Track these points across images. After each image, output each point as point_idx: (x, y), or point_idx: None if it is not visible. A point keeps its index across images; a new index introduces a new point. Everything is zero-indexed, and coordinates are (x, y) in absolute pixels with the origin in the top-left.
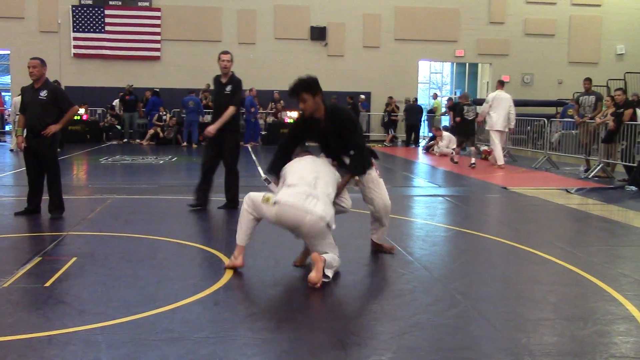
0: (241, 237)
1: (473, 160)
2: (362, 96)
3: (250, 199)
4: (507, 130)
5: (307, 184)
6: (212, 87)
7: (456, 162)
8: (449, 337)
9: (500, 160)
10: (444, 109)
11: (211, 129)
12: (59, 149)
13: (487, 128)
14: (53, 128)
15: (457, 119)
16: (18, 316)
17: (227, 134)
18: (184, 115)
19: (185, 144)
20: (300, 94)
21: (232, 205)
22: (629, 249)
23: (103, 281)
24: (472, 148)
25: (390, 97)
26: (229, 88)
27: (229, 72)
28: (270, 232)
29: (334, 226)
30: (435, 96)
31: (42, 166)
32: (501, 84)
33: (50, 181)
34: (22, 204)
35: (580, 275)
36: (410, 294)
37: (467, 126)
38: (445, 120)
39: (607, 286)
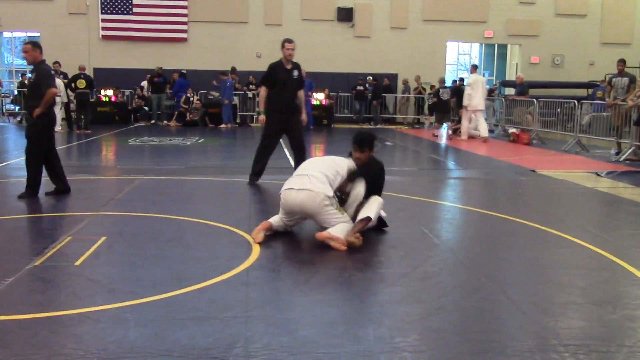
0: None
1: (442, 133)
2: (370, 77)
3: None
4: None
5: (302, 170)
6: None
7: (436, 136)
8: (475, 320)
9: (485, 133)
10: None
11: (304, 117)
12: (87, 131)
13: (469, 109)
14: (36, 111)
15: (435, 99)
16: (49, 294)
17: (295, 114)
18: (216, 97)
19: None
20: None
21: None
22: None
23: (132, 260)
24: (448, 123)
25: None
26: (296, 73)
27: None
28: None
29: (331, 195)
30: (417, 78)
31: (46, 149)
32: (475, 68)
33: (26, 159)
34: (51, 184)
35: (610, 260)
36: (436, 276)
37: (443, 105)
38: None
39: (637, 270)
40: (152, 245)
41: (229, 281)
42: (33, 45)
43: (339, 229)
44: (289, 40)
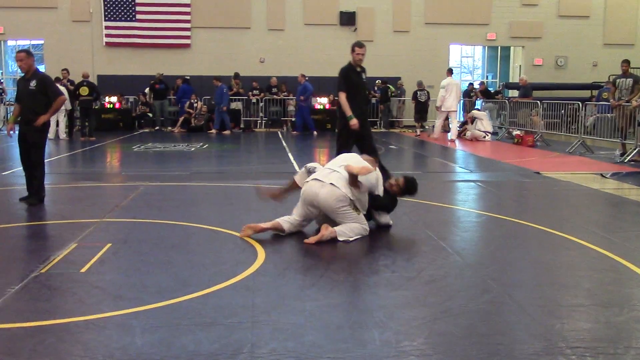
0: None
1: (418, 132)
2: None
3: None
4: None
5: (332, 164)
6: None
7: (418, 135)
8: (481, 323)
9: (454, 135)
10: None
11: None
12: (91, 138)
13: (443, 110)
14: (42, 118)
15: (413, 101)
16: (55, 301)
17: (367, 119)
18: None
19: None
20: None
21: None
22: None
23: (137, 267)
24: (418, 124)
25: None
26: (364, 76)
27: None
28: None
29: (351, 196)
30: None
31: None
32: (450, 72)
33: (34, 166)
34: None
35: (616, 261)
36: (442, 279)
37: (421, 106)
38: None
39: None
40: (157, 251)
41: (234, 287)
42: (27, 54)
43: (345, 227)
44: (360, 45)
